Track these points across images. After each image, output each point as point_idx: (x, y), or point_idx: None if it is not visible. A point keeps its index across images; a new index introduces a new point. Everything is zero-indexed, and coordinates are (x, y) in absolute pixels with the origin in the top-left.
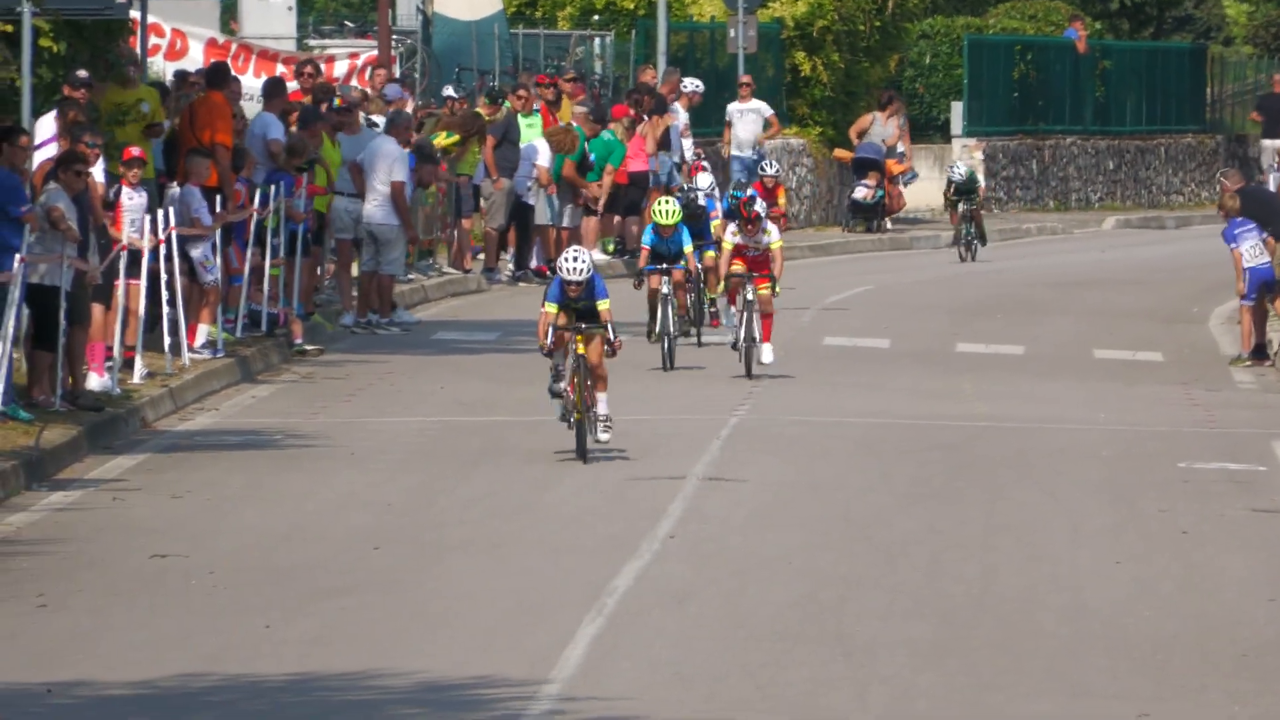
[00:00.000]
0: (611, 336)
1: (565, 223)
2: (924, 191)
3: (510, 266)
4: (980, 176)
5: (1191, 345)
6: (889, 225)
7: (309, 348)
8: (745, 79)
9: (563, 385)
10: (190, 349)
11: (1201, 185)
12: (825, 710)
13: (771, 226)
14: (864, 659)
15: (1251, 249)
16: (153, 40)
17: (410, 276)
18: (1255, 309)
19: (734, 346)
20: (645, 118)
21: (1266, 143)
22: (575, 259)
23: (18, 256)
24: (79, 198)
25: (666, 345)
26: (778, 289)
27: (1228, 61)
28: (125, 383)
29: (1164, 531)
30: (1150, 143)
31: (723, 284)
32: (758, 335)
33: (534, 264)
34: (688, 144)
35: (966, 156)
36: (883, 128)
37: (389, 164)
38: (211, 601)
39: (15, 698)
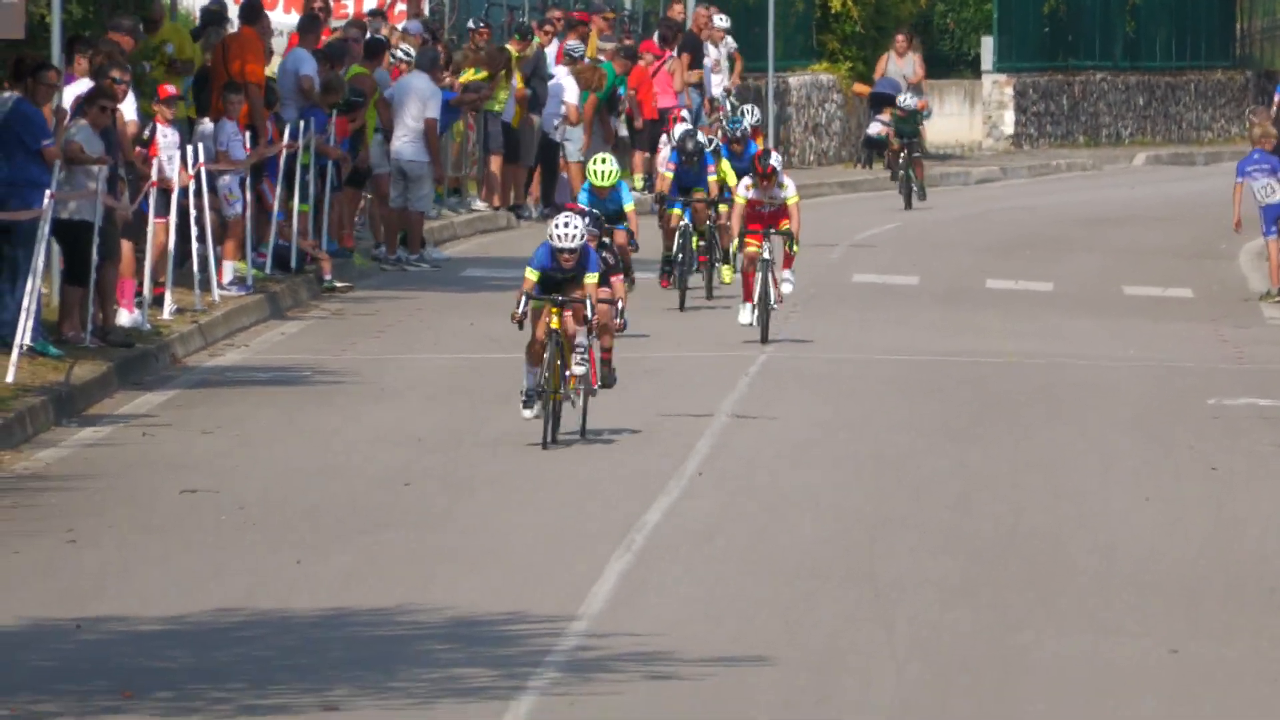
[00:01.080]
0: (590, 313)
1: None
2: (954, 128)
3: (538, 204)
4: (925, 115)
5: (1220, 281)
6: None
7: (338, 284)
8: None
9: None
10: (220, 285)
11: (1231, 121)
12: (853, 648)
13: (788, 181)
14: (892, 597)
15: (1264, 188)
16: None
17: (439, 213)
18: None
19: (749, 324)
20: (674, 54)
21: None
22: (567, 224)
23: (47, 193)
24: (106, 134)
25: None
26: (796, 247)
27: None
28: (155, 319)
29: (1193, 468)
30: (1180, 79)
31: (735, 242)
32: (774, 294)
33: (561, 201)
34: (718, 79)
35: (911, 98)
36: (898, 65)
37: (421, 101)
38: (242, 537)
39: (45, 634)
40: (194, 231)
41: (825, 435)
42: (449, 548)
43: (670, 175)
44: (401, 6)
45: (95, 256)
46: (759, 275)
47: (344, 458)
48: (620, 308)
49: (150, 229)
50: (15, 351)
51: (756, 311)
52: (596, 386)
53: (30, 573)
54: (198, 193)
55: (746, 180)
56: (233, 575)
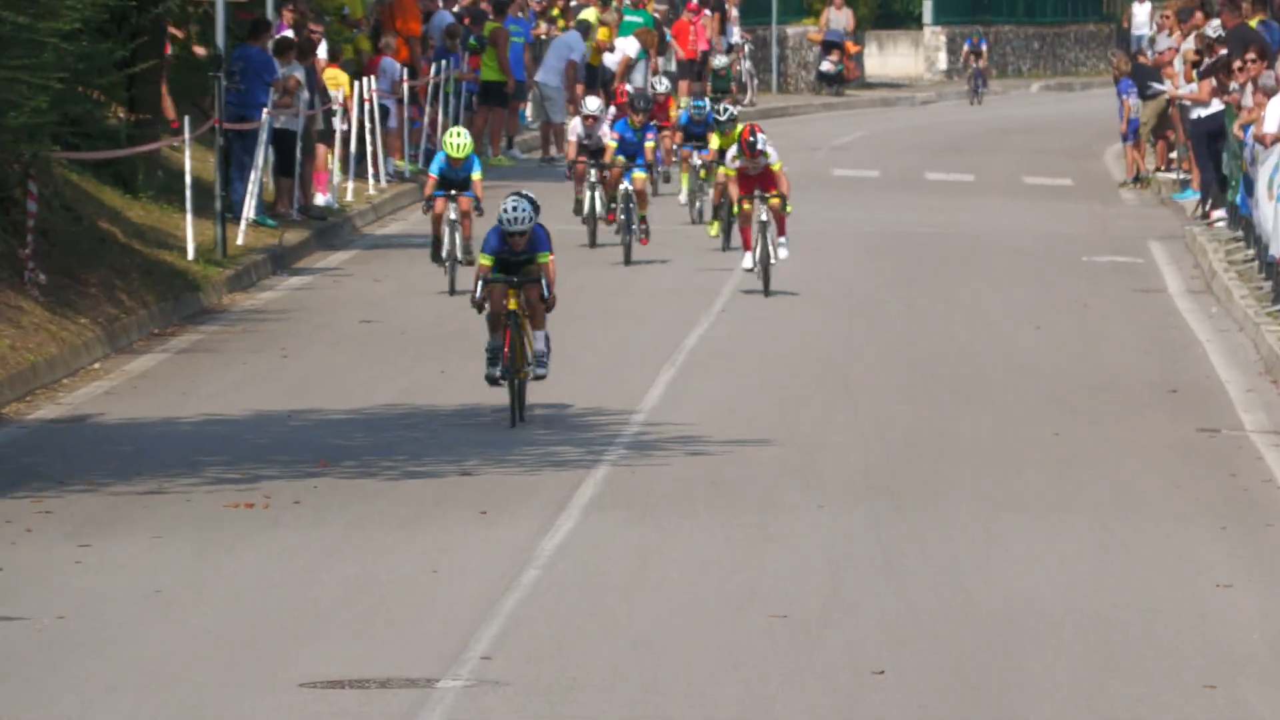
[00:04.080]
0: (546, 292)
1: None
2: (903, 65)
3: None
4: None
5: (1091, 174)
6: (845, 92)
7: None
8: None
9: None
10: (385, 176)
11: (1099, 60)
12: (830, 432)
13: (771, 150)
14: (858, 396)
15: (1134, 104)
16: None
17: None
18: (1135, 147)
19: (753, 271)
20: (708, 12)
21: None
22: (515, 208)
23: (265, 110)
24: (309, 69)
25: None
26: (789, 207)
27: None
28: (342, 200)
29: (1070, 305)
30: (1063, 29)
31: (736, 206)
32: (773, 254)
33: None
34: (736, 30)
35: (723, 58)
36: (838, 15)
37: (567, 49)
38: (404, 353)
39: (265, 420)
40: (368, 138)
41: (814, 283)
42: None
43: (614, 145)
44: None
45: (299, 155)
46: (757, 236)
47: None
48: (547, 284)
49: (337, 136)
50: (243, 223)
51: (759, 267)
52: (546, 366)
53: (254, 378)
54: (371, 115)
55: (732, 151)
56: (396, 380)
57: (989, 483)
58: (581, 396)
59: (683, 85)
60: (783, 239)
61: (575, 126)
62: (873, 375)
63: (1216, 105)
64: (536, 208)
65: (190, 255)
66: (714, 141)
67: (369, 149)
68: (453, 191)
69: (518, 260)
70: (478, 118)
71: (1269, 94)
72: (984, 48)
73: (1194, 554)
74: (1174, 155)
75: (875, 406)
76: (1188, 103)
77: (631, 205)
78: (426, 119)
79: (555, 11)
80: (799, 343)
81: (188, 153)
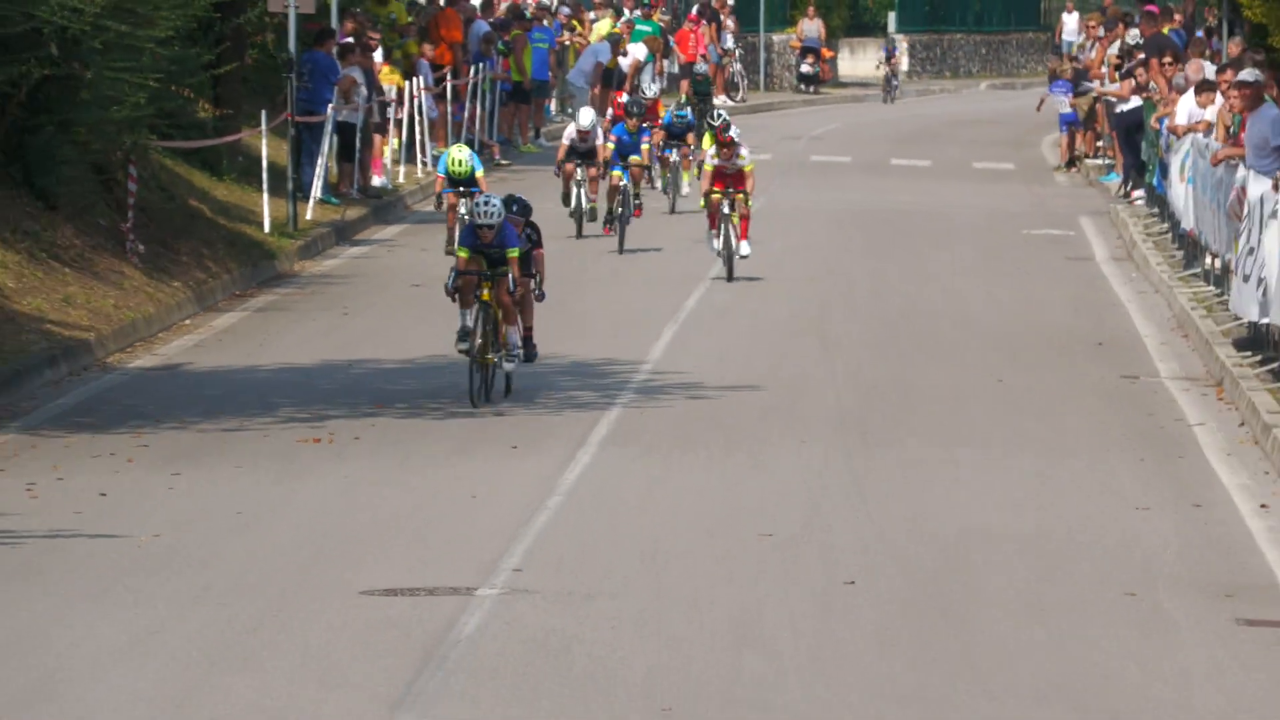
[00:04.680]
0: (512, 286)
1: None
2: (871, 68)
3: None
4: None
5: (1030, 160)
6: (821, 90)
7: (502, 161)
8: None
9: (471, 329)
10: (432, 161)
11: (1037, 63)
12: (810, 380)
13: (745, 151)
14: (833, 349)
15: (1059, 103)
16: None
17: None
18: (1068, 137)
19: (717, 254)
20: (703, 20)
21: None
22: (487, 203)
23: (329, 105)
24: (367, 70)
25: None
26: (751, 203)
27: None
28: (394, 181)
29: (1013, 270)
30: (1007, 37)
31: (703, 201)
32: (734, 242)
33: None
34: (730, 37)
35: (703, 66)
36: (810, 25)
37: (595, 54)
38: (447, 312)
39: (328, 369)
40: (417, 129)
41: (796, 252)
42: (571, 317)
43: (612, 146)
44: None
45: (358, 143)
46: (722, 227)
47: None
48: (539, 280)
49: (390, 127)
50: (311, 201)
51: (724, 256)
52: (519, 355)
53: (320, 333)
54: (418, 108)
55: (711, 150)
56: (440, 334)
57: (944, 422)
58: (596, 350)
59: (683, 84)
60: (745, 244)
61: (569, 132)
62: (846, 331)
63: (1136, 101)
64: (527, 209)
65: (266, 229)
66: (707, 141)
67: (418, 138)
68: (460, 188)
69: (491, 254)
70: (506, 111)
71: (1180, 91)
72: (897, 54)
73: (1117, 482)
74: (1100, 144)
75: (848, 357)
76: (1112, 99)
77: (627, 198)
78: (466, 113)
79: (575, 23)
80: (783, 303)
81: (264, 141)
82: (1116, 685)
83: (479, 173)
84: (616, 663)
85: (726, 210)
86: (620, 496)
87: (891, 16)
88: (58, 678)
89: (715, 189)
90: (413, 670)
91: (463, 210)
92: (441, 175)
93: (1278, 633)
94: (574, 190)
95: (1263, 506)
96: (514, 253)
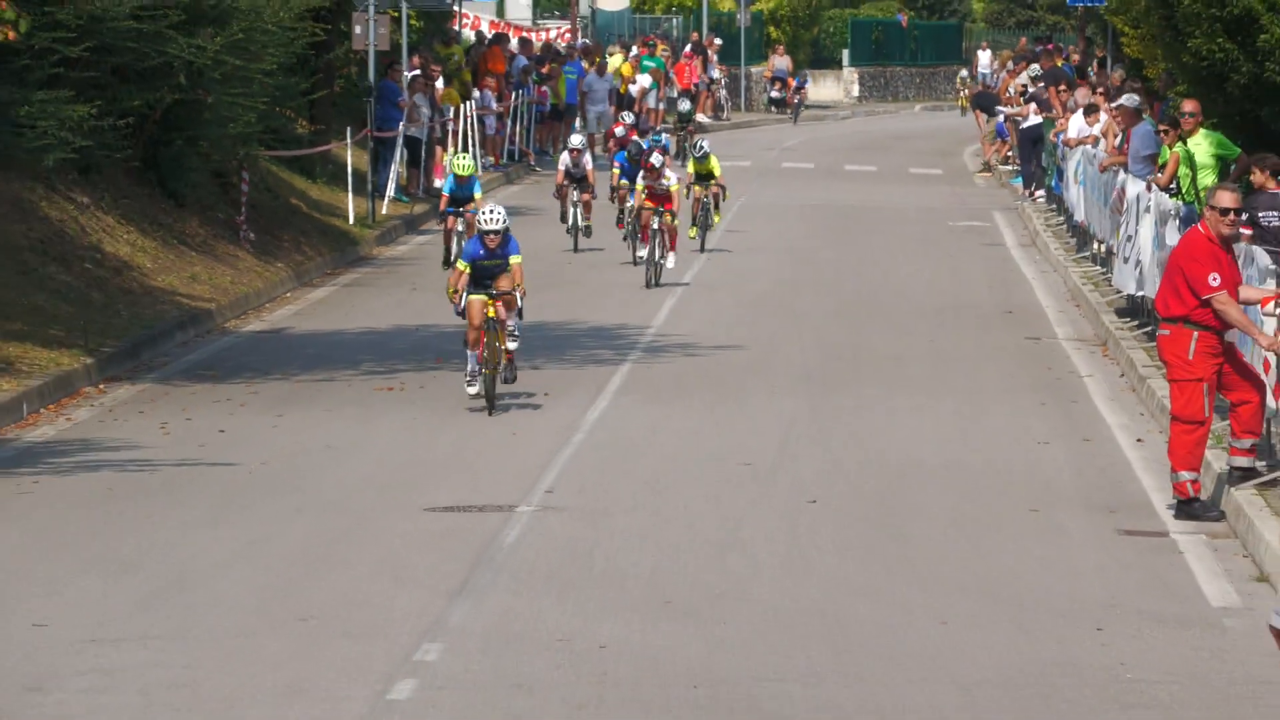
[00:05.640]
0: (519, 299)
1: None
2: (829, 93)
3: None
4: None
5: (953, 166)
6: (789, 113)
7: (536, 167)
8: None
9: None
10: (483, 167)
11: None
12: (782, 342)
13: (670, 174)
14: (800, 318)
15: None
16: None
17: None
18: (988, 146)
19: (636, 263)
20: (696, 55)
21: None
22: (492, 211)
23: (400, 123)
24: (430, 96)
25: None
26: (670, 218)
27: (972, 30)
28: None
29: (940, 254)
30: (937, 69)
31: (637, 214)
32: (659, 254)
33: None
34: (716, 69)
35: (685, 101)
36: (779, 59)
37: (607, 84)
38: None
39: (401, 332)
40: (473, 142)
41: (769, 240)
42: (589, 293)
43: (618, 171)
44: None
45: (423, 153)
46: (652, 240)
47: (544, 253)
48: (520, 296)
49: (449, 139)
50: (386, 199)
51: (649, 266)
52: (510, 373)
53: (392, 304)
54: (473, 125)
55: (642, 173)
56: None
57: (887, 375)
58: (611, 317)
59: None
60: (672, 253)
61: (564, 159)
62: (810, 303)
63: (1035, 119)
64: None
65: (350, 221)
66: (690, 167)
67: (472, 148)
68: (459, 209)
69: (492, 263)
70: (542, 128)
71: (1072, 112)
72: (803, 86)
73: (1023, 422)
74: (1010, 154)
75: (811, 324)
76: (1019, 118)
77: (662, 238)
78: (508, 131)
79: (596, 59)
80: (760, 280)
81: (349, 152)
82: (1021, 580)
83: (478, 194)
84: (628, 564)
85: (655, 226)
86: (629, 435)
87: (845, 53)
88: (189, 573)
89: (648, 205)
90: (467, 569)
91: (461, 227)
92: (446, 194)
93: (1150, 541)
94: (570, 210)
95: (1139, 441)
96: (516, 258)
